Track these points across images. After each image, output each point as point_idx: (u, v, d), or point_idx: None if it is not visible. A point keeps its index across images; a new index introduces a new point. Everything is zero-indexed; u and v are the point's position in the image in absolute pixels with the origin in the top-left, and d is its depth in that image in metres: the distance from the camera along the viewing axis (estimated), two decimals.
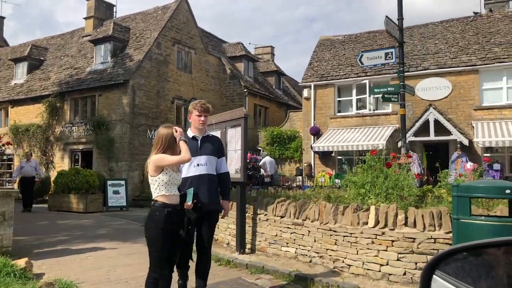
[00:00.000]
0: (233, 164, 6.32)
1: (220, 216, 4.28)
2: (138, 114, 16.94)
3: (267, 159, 16.12)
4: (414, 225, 4.60)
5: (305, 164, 19.26)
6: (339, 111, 19.09)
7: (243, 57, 23.11)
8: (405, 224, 4.65)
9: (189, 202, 3.62)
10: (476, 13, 19.54)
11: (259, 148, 21.00)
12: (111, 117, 16.85)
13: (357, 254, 4.94)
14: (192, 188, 3.73)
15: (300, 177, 19.16)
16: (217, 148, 4.24)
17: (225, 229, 6.92)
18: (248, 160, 19.10)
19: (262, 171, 16.15)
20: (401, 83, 8.19)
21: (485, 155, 15.87)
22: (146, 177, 3.66)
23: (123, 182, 14.06)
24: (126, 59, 17.70)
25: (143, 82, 17.21)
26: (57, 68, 20.39)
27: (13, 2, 54.94)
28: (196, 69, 20.19)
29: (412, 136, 16.02)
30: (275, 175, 17.16)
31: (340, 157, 18.98)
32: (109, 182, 13.83)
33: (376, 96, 18.25)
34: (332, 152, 18.29)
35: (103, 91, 17.21)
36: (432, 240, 4.47)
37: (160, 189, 3.45)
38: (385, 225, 4.78)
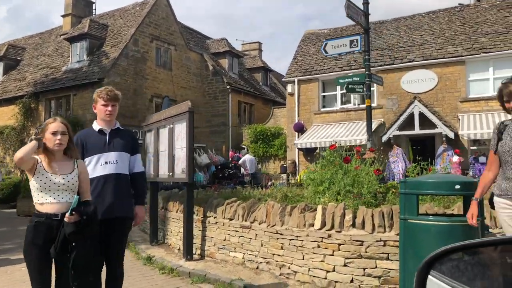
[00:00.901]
0: (180, 163, 5.78)
1: (132, 225, 3.66)
2: None
3: (247, 157, 15.58)
4: (363, 227, 4.06)
5: (289, 162, 18.73)
6: (324, 107, 18.56)
7: (227, 53, 22.54)
8: (353, 225, 4.11)
9: (68, 214, 2.73)
10: (461, 5, 18.98)
11: (243, 146, 20.45)
12: (86, 117, 16.27)
13: (303, 259, 4.40)
14: (78, 196, 2.89)
15: (284, 175, 18.64)
16: (130, 143, 3.63)
17: (176, 233, 6.38)
18: (230, 159, 18.68)
19: (242, 169, 15.62)
20: (367, 73, 7.65)
21: (472, 148, 15.37)
22: None
23: None
24: (102, 57, 17.13)
25: (118, 80, 16.63)
26: (33, 68, 19.81)
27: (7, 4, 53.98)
28: (177, 66, 19.62)
29: (397, 130, 15.50)
30: (258, 173, 16.64)
31: (324, 153, 18.44)
32: None
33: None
34: (316, 148, 17.77)
35: (77, 91, 16.64)
36: (382, 243, 3.94)
37: (34, 196, 2.88)
38: (332, 227, 4.24)
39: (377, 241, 3.93)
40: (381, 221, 3.97)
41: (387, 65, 16.82)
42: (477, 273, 1.41)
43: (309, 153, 18.34)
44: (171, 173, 5.94)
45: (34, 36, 23.55)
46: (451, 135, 14.56)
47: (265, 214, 4.93)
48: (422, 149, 18.13)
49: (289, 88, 18.97)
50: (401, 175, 16.07)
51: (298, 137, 17.95)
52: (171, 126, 6.00)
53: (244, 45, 29.68)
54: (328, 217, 4.27)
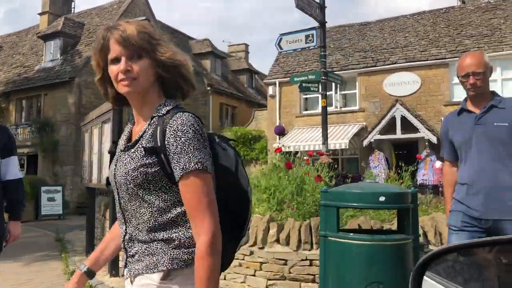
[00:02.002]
0: (107, 168, 5.18)
1: (4, 245, 3.00)
2: (84, 115, 15.66)
3: None
4: (287, 243, 3.49)
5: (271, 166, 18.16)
6: (306, 109, 18.04)
7: (210, 54, 21.97)
8: (278, 240, 3.54)
9: None
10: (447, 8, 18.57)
11: None
12: (56, 118, 15.65)
13: (225, 279, 3.82)
14: None
15: None
16: (2, 143, 3.03)
17: None
18: None
19: None
20: (322, 70, 7.11)
21: None
22: None
23: (59, 188, 12.86)
24: (76, 56, 16.53)
25: (91, 79, 15.94)
26: (7, 67, 19.16)
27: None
28: None
29: (378, 134, 14.98)
30: None
31: (307, 157, 17.88)
32: (43, 189, 12.62)
33: (343, 92, 17.27)
34: (297, 152, 17.21)
35: (48, 90, 16.01)
36: (307, 263, 3.37)
37: None
38: (255, 243, 3.66)
39: (302, 260, 3.37)
40: (308, 236, 3.40)
41: (369, 67, 16.33)
42: (473, 274, 1.41)
43: (290, 157, 17.79)
44: (99, 179, 5.35)
45: (12, 34, 22.90)
46: (434, 139, 14.05)
47: None
48: (406, 154, 17.64)
49: (270, 90, 18.45)
50: (382, 181, 15.58)
51: (278, 140, 17.40)
52: (100, 126, 5.40)
53: (230, 46, 29.16)
54: (252, 231, 3.70)
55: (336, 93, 17.01)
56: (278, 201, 5.03)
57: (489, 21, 15.97)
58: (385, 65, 16.07)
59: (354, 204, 2.86)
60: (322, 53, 7.09)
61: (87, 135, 6.32)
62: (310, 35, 7.00)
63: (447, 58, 15.09)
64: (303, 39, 7.05)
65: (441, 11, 18.00)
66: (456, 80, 14.97)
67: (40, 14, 20.78)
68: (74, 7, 21.68)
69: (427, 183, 13.96)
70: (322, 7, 6.96)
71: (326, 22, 7.01)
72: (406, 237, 2.76)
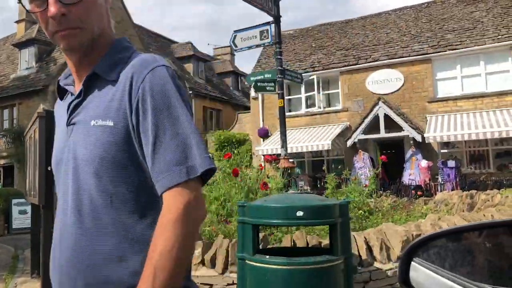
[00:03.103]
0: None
1: None
2: None
3: None
4: (213, 264, 3.09)
5: (255, 170, 17.75)
6: (289, 111, 17.65)
7: (192, 57, 21.58)
8: (202, 262, 3.13)
9: None
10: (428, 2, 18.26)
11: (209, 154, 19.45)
12: None
13: None
14: None
15: None
16: None
17: None
18: None
19: None
20: (278, 68, 6.72)
21: (442, 151, 14.52)
22: None
23: None
24: (51, 63, 16.09)
25: None
26: None
27: None
28: None
29: (362, 134, 14.61)
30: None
31: (292, 160, 17.49)
32: (14, 201, 12.14)
33: (326, 92, 16.91)
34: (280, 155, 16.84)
35: (23, 99, 15.56)
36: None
37: None
38: None
39: (228, 284, 2.96)
40: (234, 257, 3.00)
41: (351, 65, 15.99)
42: (461, 259, 1.42)
43: (275, 161, 17.41)
44: (33, 192, 4.94)
45: None
46: (419, 138, 13.70)
47: None
48: (392, 154, 17.30)
49: (252, 92, 18.05)
50: (368, 183, 15.20)
51: (262, 143, 17.01)
52: (32, 134, 4.99)
53: (216, 49, 28.78)
54: None
55: (319, 93, 16.66)
56: (228, 213, 4.65)
57: (471, 15, 15.68)
58: (367, 62, 15.73)
59: (269, 220, 2.46)
60: (278, 49, 6.70)
61: (28, 145, 5.88)
62: (265, 31, 6.61)
63: (430, 54, 14.77)
64: (257, 36, 6.66)
65: (423, 5, 17.71)
66: (439, 76, 14.71)
67: (17, 22, 20.30)
68: None
69: (414, 183, 13.60)
70: (276, 1, 6.57)
71: (281, 16, 6.62)
72: (330, 259, 2.37)
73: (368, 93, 15.62)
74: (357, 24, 18.52)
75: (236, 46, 6.88)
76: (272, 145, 15.88)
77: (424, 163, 13.75)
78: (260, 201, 2.59)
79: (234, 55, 29.96)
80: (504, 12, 15.05)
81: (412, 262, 1.29)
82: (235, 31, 6.83)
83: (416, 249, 1.32)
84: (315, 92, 16.57)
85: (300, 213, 2.34)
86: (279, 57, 6.73)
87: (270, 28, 6.57)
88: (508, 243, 1.37)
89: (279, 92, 6.77)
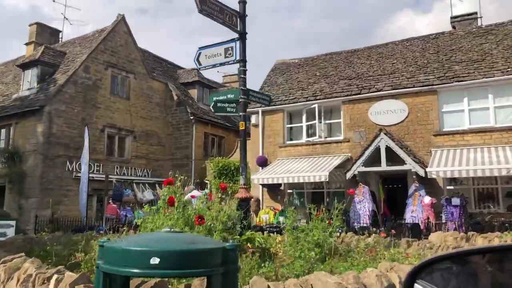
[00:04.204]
0: None
1: None
2: (55, 144, 15.09)
3: (194, 193, 13.96)
4: None
5: (253, 199, 17.09)
6: (291, 139, 17.13)
7: (196, 83, 21.47)
8: None
9: None
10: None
11: (207, 181, 18.94)
12: (26, 147, 15.04)
13: None
14: None
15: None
16: None
17: None
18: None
19: None
20: (241, 88, 6.25)
21: (448, 187, 13.67)
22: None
23: (12, 223, 12.02)
24: (51, 85, 16.11)
25: (64, 108, 15.48)
26: None
27: None
28: (136, 95, 18.50)
29: (362, 166, 13.89)
30: None
31: (291, 191, 16.83)
32: None
33: (327, 122, 16.36)
34: (280, 185, 16.20)
35: (20, 119, 15.50)
36: None
37: None
38: None
39: None
40: None
41: (353, 94, 15.48)
42: (463, 282, 1.41)
43: (273, 190, 16.76)
44: None
45: (1, 65, 22.93)
46: (422, 172, 12.90)
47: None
48: (395, 188, 16.45)
49: (253, 119, 17.64)
50: (367, 217, 14.35)
51: (260, 171, 16.42)
52: None
53: (225, 77, 28.80)
54: None
55: (320, 122, 16.12)
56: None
57: (480, 46, 15.11)
58: (370, 92, 15.20)
59: (119, 268, 1.89)
60: (242, 68, 6.25)
61: None
62: (230, 48, 6.19)
63: (436, 85, 14.17)
64: (222, 53, 6.24)
65: (431, 37, 17.25)
66: (446, 108, 14.04)
67: (27, 44, 20.73)
68: (61, 37, 21.63)
69: (416, 221, 12.72)
70: (241, 15, 6.16)
71: (247, 33, 6.20)
72: None
73: (371, 123, 15.02)
74: (362, 54, 18.13)
75: (200, 64, 6.48)
76: (267, 174, 15.27)
77: (427, 199, 12.90)
78: (121, 241, 2.03)
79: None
80: None
81: (416, 284, 1.30)
82: (200, 48, 6.46)
83: (420, 271, 1.32)
84: (316, 121, 16.03)
85: (155, 261, 1.78)
86: (242, 76, 6.27)
87: (235, 45, 6.15)
88: (510, 267, 1.36)
89: (241, 114, 6.28)
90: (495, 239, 6.34)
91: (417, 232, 10.53)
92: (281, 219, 15.17)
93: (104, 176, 14.72)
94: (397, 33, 65.36)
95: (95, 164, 16.25)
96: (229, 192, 18.83)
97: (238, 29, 6.14)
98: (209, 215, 4.32)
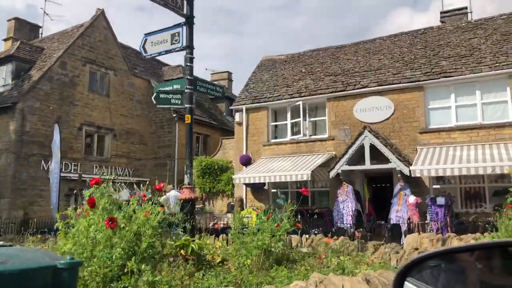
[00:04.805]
0: None
1: None
2: (29, 143, 14.54)
3: (172, 193, 13.44)
4: None
5: (236, 199, 16.62)
6: (276, 137, 16.63)
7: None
8: None
9: None
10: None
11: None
12: None
13: None
14: None
15: (230, 214, 16.48)
16: None
17: None
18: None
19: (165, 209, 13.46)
20: (188, 78, 5.75)
21: (433, 186, 13.23)
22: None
23: None
24: (26, 81, 15.55)
25: (38, 105, 14.92)
26: None
27: None
28: (117, 92, 17.95)
29: (346, 164, 13.40)
30: None
31: (275, 190, 16.32)
32: None
33: (312, 119, 15.87)
34: (264, 184, 15.71)
35: None
36: None
37: None
38: None
39: None
40: None
41: (338, 91, 15.01)
42: (453, 279, 1.42)
43: (257, 189, 16.27)
44: None
45: None
46: (406, 171, 12.43)
47: None
48: (383, 187, 15.98)
49: (237, 117, 17.16)
50: (350, 217, 13.86)
51: (244, 170, 15.92)
52: None
53: (214, 74, 28.28)
54: None
55: (305, 120, 15.64)
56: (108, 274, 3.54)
57: (469, 41, 14.66)
58: (355, 89, 14.73)
59: None
60: (188, 55, 5.74)
61: None
62: (177, 34, 5.69)
63: (422, 81, 13.72)
64: (169, 40, 5.73)
65: (419, 32, 16.79)
66: (432, 105, 13.54)
67: (5, 40, 20.12)
68: (41, 33, 21.05)
69: (401, 221, 12.26)
70: None
71: (194, 17, 5.69)
72: None
73: (356, 121, 14.55)
74: (349, 50, 17.66)
75: (146, 51, 5.98)
76: (249, 173, 14.78)
77: (412, 199, 12.45)
78: None
79: (232, 80, 29.40)
80: (504, 39, 14.00)
81: (406, 282, 1.32)
82: (146, 34, 5.96)
83: (410, 269, 1.35)
84: (301, 118, 15.55)
85: None
86: (189, 64, 5.77)
87: (182, 31, 5.65)
88: (499, 264, 1.38)
89: (186, 106, 5.78)
90: (471, 241, 5.86)
91: (398, 233, 10.06)
92: (263, 219, 14.71)
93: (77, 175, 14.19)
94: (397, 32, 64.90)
95: (72, 163, 15.70)
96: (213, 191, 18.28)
97: (184, 12, 5.64)
98: (138, 218, 3.81)
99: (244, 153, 16.61)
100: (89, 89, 16.83)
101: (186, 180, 5.77)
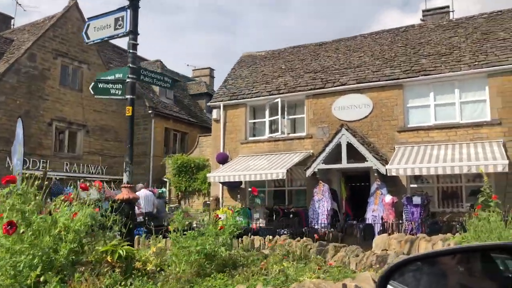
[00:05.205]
0: None
1: None
2: None
3: (142, 192, 12.90)
4: None
5: (212, 198, 16.18)
6: (254, 135, 16.23)
7: None
8: None
9: None
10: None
11: (165, 179, 17.91)
12: None
13: None
14: None
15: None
16: None
17: None
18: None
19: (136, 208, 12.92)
20: (130, 66, 5.35)
21: (411, 185, 12.99)
22: None
23: None
24: None
25: (3, 99, 14.24)
26: None
27: None
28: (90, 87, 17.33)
29: (323, 163, 13.08)
30: (161, 212, 13.96)
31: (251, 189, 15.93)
32: None
33: (291, 117, 15.51)
34: (241, 183, 15.29)
35: None
36: None
37: None
38: None
39: None
40: None
41: (317, 88, 14.68)
42: (434, 282, 1.44)
43: (234, 188, 15.85)
44: None
45: None
46: (383, 170, 12.15)
47: None
48: (363, 187, 15.69)
49: (214, 113, 16.71)
50: (326, 217, 13.54)
51: (220, 168, 15.48)
52: None
53: (195, 70, 27.76)
54: None
55: (283, 118, 15.27)
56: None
57: (449, 40, 14.47)
58: (334, 86, 14.41)
59: None
60: (131, 41, 5.34)
61: None
62: (120, 19, 5.28)
63: (401, 79, 13.47)
64: (112, 24, 5.33)
65: (400, 30, 16.56)
66: (411, 103, 13.26)
67: None
68: (13, 24, 20.27)
69: (377, 220, 11.98)
70: None
71: (139, 0, 5.31)
72: None
73: (334, 119, 14.24)
74: (330, 47, 17.35)
75: (88, 37, 5.56)
76: (224, 172, 14.36)
77: (388, 198, 12.20)
78: None
79: (214, 77, 28.91)
80: (484, 38, 13.83)
81: (388, 286, 1.33)
82: (89, 19, 5.55)
83: (393, 272, 1.36)
84: (279, 116, 15.18)
85: None
86: (132, 51, 5.37)
87: (126, 15, 5.23)
88: (478, 267, 1.42)
89: (127, 96, 5.36)
90: (439, 242, 5.58)
91: (371, 233, 9.75)
92: (238, 219, 14.29)
93: (49, 172, 13.57)
94: None
95: (41, 160, 15.06)
96: (190, 190, 17.78)
97: None
98: (59, 221, 3.36)
99: (221, 151, 16.19)
100: (60, 83, 16.18)
101: (125, 179, 5.30)
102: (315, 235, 11.81)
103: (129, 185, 5.10)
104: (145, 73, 5.86)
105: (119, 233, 4.02)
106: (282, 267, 3.56)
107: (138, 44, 5.48)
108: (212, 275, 3.32)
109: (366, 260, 4.36)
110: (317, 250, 5.18)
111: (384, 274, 1.37)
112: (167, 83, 6.08)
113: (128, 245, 3.52)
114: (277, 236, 6.46)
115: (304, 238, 5.79)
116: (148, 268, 3.40)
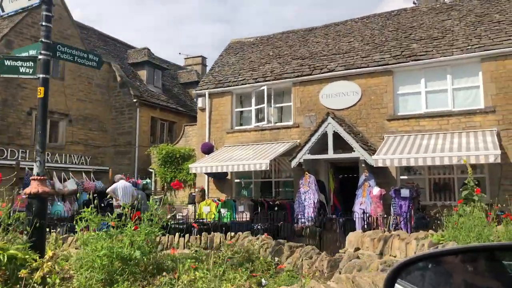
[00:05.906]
0: None
1: None
2: None
3: (120, 183, 12.43)
4: None
5: (197, 190, 15.69)
6: (241, 124, 15.68)
7: (146, 64, 19.76)
8: None
9: None
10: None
11: (151, 170, 17.44)
12: None
13: None
14: None
15: (191, 206, 15.56)
16: None
17: None
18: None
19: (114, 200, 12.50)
20: (43, 40, 4.82)
21: (400, 177, 12.44)
22: None
23: None
24: None
25: None
26: None
27: None
28: (73, 76, 16.77)
29: (308, 153, 12.53)
30: (144, 205, 13.51)
31: (238, 180, 15.46)
32: None
33: (277, 106, 14.93)
34: (227, 174, 14.81)
35: None
36: None
37: None
38: None
39: None
40: None
41: (304, 75, 14.07)
42: (442, 281, 1.45)
43: (220, 179, 15.36)
44: None
45: None
46: (371, 160, 11.59)
47: None
48: (350, 178, 15.16)
49: (199, 102, 16.16)
50: (312, 210, 13.05)
51: (202, 159, 14.97)
52: None
53: (187, 59, 27.09)
54: None
55: (270, 106, 14.71)
56: None
57: (442, 23, 13.79)
58: (322, 73, 13.80)
59: None
60: (45, 12, 4.81)
61: None
62: None
63: (391, 64, 12.85)
64: None
65: (392, 13, 15.88)
66: (401, 90, 12.58)
67: None
68: None
69: (363, 215, 11.45)
70: None
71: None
72: None
73: (322, 107, 13.66)
74: (320, 33, 16.69)
75: (3, 10, 5.04)
76: (207, 162, 13.85)
77: (376, 190, 11.67)
78: None
79: (206, 65, 28.23)
80: (478, 20, 13.15)
81: (396, 284, 1.34)
82: None
83: (400, 271, 1.37)
84: (265, 104, 14.61)
85: None
86: (45, 23, 4.84)
87: None
88: (485, 267, 1.41)
89: (39, 76, 4.83)
90: (413, 242, 5.08)
91: (353, 228, 9.24)
92: (222, 211, 13.82)
93: (28, 163, 13.12)
94: None
95: (20, 150, 14.60)
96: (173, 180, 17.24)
97: None
98: None
99: (207, 140, 15.67)
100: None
101: (35, 170, 4.77)
102: (296, 228, 11.37)
103: (39, 177, 4.56)
104: (63, 49, 5.32)
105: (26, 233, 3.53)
106: (193, 277, 3.06)
107: (53, 16, 4.97)
108: (118, 285, 2.83)
109: (319, 264, 3.85)
110: (273, 249, 4.66)
111: (392, 272, 1.37)
112: (92, 61, 5.52)
113: (32, 247, 3.03)
114: (239, 233, 5.95)
115: (264, 236, 5.28)
116: (34, 278, 2.89)
